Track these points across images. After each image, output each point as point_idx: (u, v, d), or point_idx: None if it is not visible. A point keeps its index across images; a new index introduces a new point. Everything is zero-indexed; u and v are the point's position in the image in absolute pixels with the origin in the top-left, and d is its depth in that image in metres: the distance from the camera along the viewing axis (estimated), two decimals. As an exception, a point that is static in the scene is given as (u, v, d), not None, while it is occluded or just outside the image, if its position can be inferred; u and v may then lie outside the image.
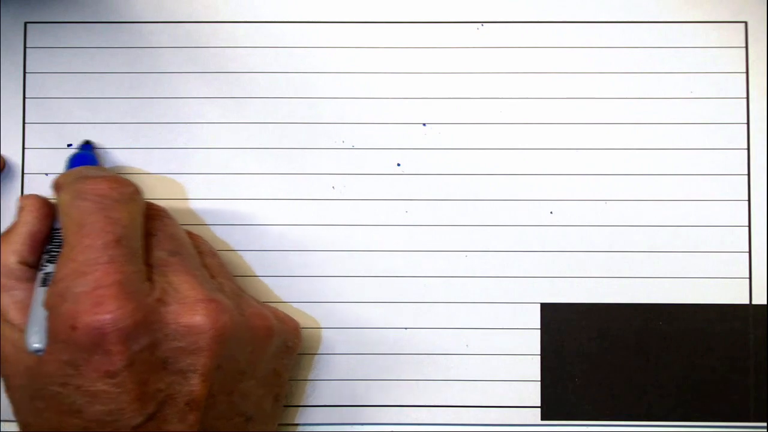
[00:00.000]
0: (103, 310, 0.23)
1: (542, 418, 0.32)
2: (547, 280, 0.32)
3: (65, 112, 0.32)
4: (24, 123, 0.32)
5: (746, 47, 0.32)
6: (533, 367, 0.32)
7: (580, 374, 0.32)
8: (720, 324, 0.32)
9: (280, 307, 0.31)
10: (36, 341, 0.24)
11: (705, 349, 0.32)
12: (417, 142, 0.32)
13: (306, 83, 0.32)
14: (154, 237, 0.27)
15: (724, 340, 0.32)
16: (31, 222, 0.27)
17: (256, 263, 0.32)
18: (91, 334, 0.23)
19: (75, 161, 0.30)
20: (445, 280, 0.32)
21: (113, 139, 0.32)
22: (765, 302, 0.32)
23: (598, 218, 0.32)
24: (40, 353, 0.24)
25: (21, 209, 0.27)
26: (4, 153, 0.32)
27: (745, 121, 0.32)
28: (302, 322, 0.31)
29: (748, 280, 0.32)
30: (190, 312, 0.25)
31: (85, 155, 0.31)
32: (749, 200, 0.32)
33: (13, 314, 0.26)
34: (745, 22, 0.32)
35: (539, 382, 0.32)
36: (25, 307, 0.26)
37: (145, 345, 0.24)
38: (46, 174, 0.32)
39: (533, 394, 0.32)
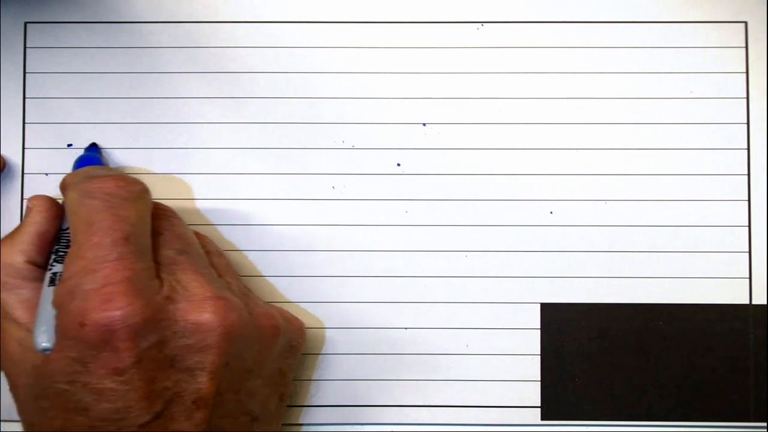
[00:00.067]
0: (112, 306, 0.23)
1: (542, 418, 0.32)
2: (547, 280, 0.32)
3: (65, 112, 0.32)
4: (24, 123, 0.32)
5: (746, 47, 0.32)
6: (533, 367, 0.32)
7: (580, 374, 0.32)
8: (720, 324, 0.32)
9: (280, 306, 0.31)
10: (44, 340, 0.24)
11: (705, 349, 0.32)
12: (417, 142, 0.32)
13: (306, 83, 0.32)
14: (161, 236, 0.27)
15: (724, 340, 0.32)
16: (39, 222, 0.27)
17: (255, 263, 0.32)
18: (99, 330, 0.23)
19: (81, 163, 0.30)
20: (445, 280, 0.32)
21: (113, 139, 0.32)
22: (765, 302, 0.32)
23: (598, 218, 0.32)
24: (48, 352, 0.24)
25: (29, 209, 0.27)
26: (4, 153, 0.32)
27: (745, 121, 0.32)
28: (303, 321, 0.31)
29: (748, 280, 0.32)
30: (198, 309, 0.25)
31: (92, 157, 0.31)
32: (749, 200, 0.32)
33: (19, 313, 0.26)
34: (745, 22, 0.32)
35: (539, 382, 0.32)
36: (32, 306, 0.26)
37: (154, 342, 0.24)
38: (46, 174, 0.32)
39: (533, 394, 0.32)
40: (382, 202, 0.32)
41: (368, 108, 0.32)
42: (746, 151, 0.32)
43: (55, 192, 0.29)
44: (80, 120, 0.32)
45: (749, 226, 0.32)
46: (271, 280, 0.32)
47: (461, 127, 0.32)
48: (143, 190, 0.26)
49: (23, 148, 0.32)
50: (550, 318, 0.32)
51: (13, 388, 0.26)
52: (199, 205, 0.32)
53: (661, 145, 0.32)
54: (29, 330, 0.25)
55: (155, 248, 0.26)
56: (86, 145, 0.32)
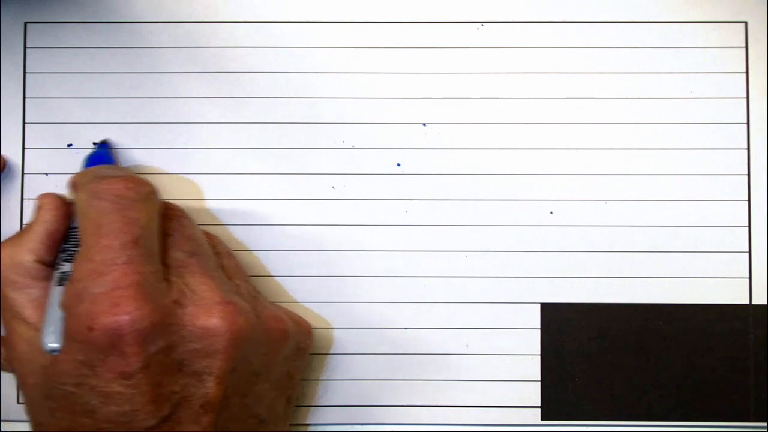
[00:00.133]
0: (120, 311, 0.23)
1: (542, 418, 0.32)
2: (547, 280, 0.32)
3: (65, 112, 0.32)
4: (24, 123, 0.32)
5: (746, 47, 0.32)
6: (533, 367, 0.32)
7: (580, 374, 0.32)
8: (720, 324, 0.32)
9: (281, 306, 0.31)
10: (52, 341, 0.24)
11: (705, 349, 0.32)
12: (417, 142, 0.32)
13: (306, 83, 0.32)
14: (171, 237, 0.27)
15: (724, 340, 0.32)
16: (49, 221, 0.27)
17: (254, 263, 0.32)
18: (108, 334, 0.23)
19: (92, 160, 0.30)
20: (445, 280, 0.32)
21: (113, 139, 0.32)
22: (765, 302, 0.32)
23: (598, 218, 0.32)
24: (55, 353, 0.24)
25: (39, 207, 0.27)
26: (4, 153, 0.32)
27: (745, 121, 0.32)
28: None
29: (748, 280, 0.32)
30: (206, 314, 0.25)
31: (102, 154, 0.31)
32: (749, 200, 0.32)
33: (28, 313, 0.26)
34: (745, 22, 0.32)
35: (539, 382, 0.32)
36: (41, 305, 0.26)
37: (162, 347, 0.24)
38: (46, 174, 0.32)
39: (533, 394, 0.32)
40: (382, 202, 0.32)
41: (368, 108, 0.32)
42: (746, 151, 0.32)
43: (55, 192, 0.29)
44: (80, 120, 0.32)
45: (749, 226, 0.32)
46: (270, 279, 0.32)
47: (461, 127, 0.32)
48: (152, 191, 0.26)
49: (23, 148, 0.32)
50: (550, 318, 0.32)
51: (23, 387, 0.26)
52: (199, 205, 0.32)
53: (661, 145, 0.32)
54: (38, 329, 0.25)
55: (165, 249, 0.26)
56: (87, 144, 0.32)
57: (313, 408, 0.32)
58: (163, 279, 0.25)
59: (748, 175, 0.32)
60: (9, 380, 0.31)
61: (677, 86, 0.32)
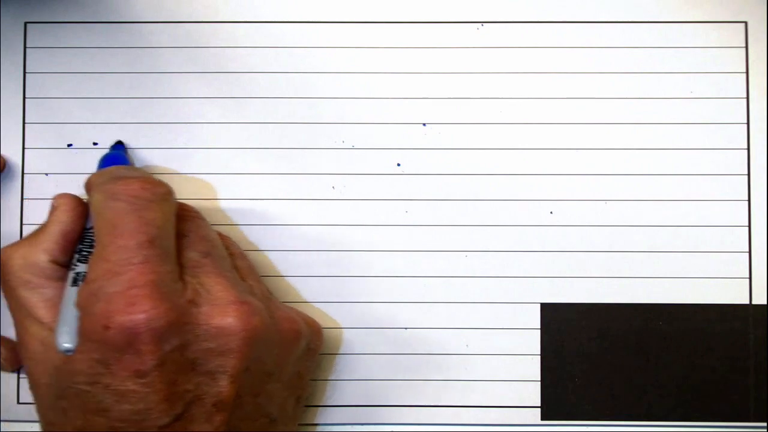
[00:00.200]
0: (136, 309, 0.23)
1: (542, 418, 0.32)
2: (547, 280, 0.32)
3: (65, 112, 0.32)
4: (24, 123, 0.32)
5: (746, 47, 0.32)
6: (533, 367, 0.32)
7: (580, 374, 0.32)
8: (720, 324, 0.32)
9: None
10: (66, 341, 0.24)
11: (705, 349, 0.32)
12: (417, 142, 0.32)
13: (306, 83, 0.32)
14: (186, 238, 0.27)
15: (724, 340, 0.32)
16: (64, 221, 0.27)
17: (255, 263, 0.32)
18: (124, 333, 0.23)
19: (106, 161, 0.30)
20: (445, 280, 0.32)
21: (113, 139, 0.32)
22: (765, 302, 0.32)
23: (598, 218, 0.32)
24: (69, 353, 0.24)
25: (55, 208, 0.27)
26: (4, 153, 0.32)
27: (745, 121, 0.32)
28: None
29: (748, 280, 0.32)
30: (221, 314, 0.25)
31: (117, 155, 0.31)
32: (749, 200, 0.32)
33: (42, 312, 0.26)
34: (745, 22, 0.32)
35: (539, 382, 0.32)
36: (55, 305, 0.26)
37: (176, 345, 0.24)
38: (46, 174, 0.32)
39: (533, 394, 0.32)
40: (382, 202, 0.32)
41: (368, 108, 0.32)
42: (746, 151, 0.32)
43: (54, 193, 0.29)
44: (80, 120, 0.32)
45: (749, 226, 0.32)
46: (270, 279, 0.32)
47: (461, 127, 0.32)
48: (168, 192, 0.26)
49: (23, 148, 0.32)
50: (550, 318, 0.32)
51: (34, 388, 0.26)
52: (199, 204, 0.32)
53: (661, 145, 0.32)
54: (51, 329, 0.25)
55: (180, 250, 0.26)
56: (87, 144, 0.32)
57: (313, 408, 0.32)
58: (178, 279, 0.25)
59: (748, 175, 0.32)
60: (9, 380, 0.31)
61: (677, 86, 0.32)
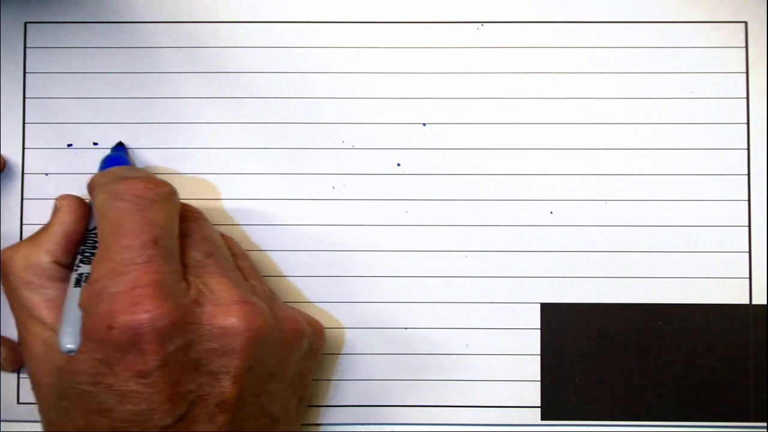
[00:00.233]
0: (140, 309, 0.23)
1: (542, 418, 0.32)
2: (547, 280, 0.32)
3: (65, 112, 0.32)
4: (24, 123, 0.32)
5: (746, 47, 0.32)
6: (533, 367, 0.32)
7: (580, 374, 0.32)
8: (720, 324, 0.32)
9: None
10: (69, 341, 0.24)
11: (705, 349, 0.32)
12: (417, 142, 0.32)
13: (306, 83, 0.32)
14: (189, 238, 0.27)
15: (724, 340, 0.32)
16: (67, 222, 0.27)
17: (255, 263, 0.32)
18: (127, 333, 0.23)
19: (108, 162, 0.30)
20: (445, 280, 0.32)
21: (113, 139, 0.32)
22: (765, 302, 0.32)
23: (598, 218, 0.32)
24: (72, 353, 0.24)
25: (58, 209, 0.27)
26: (4, 153, 0.32)
27: (745, 121, 0.32)
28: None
29: (748, 280, 0.32)
30: (224, 314, 0.25)
31: (118, 156, 0.31)
32: (749, 200, 0.32)
33: (44, 313, 0.26)
34: (745, 22, 0.32)
35: (539, 382, 0.32)
36: (57, 306, 0.26)
37: (180, 346, 0.24)
38: (46, 174, 0.32)
39: (533, 394, 0.32)
40: (382, 202, 0.32)
41: (368, 108, 0.32)
42: (746, 151, 0.32)
43: (54, 193, 0.29)
44: (80, 120, 0.32)
45: (749, 226, 0.32)
46: (270, 279, 0.32)
47: (461, 127, 0.32)
48: (171, 192, 0.26)
49: (23, 148, 0.32)
50: (550, 318, 0.32)
51: (36, 388, 0.26)
52: (198, 204, 0.32)
53: (661, 145, 0.32)
54: (54, 330, 0.25)
55: (183, 250, 0.26)
56: (87, 144, 0.32)
57: (315, 408, 0.32)
58: (181, 279, 0.25)
59: (748, 175, 0.32)
60: (9, 380, 0.31)
61: (677, 86, 0.32)
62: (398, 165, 0.32)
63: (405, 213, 0.32)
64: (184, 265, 0.26)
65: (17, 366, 0.31)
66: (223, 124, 0.32)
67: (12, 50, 0.32)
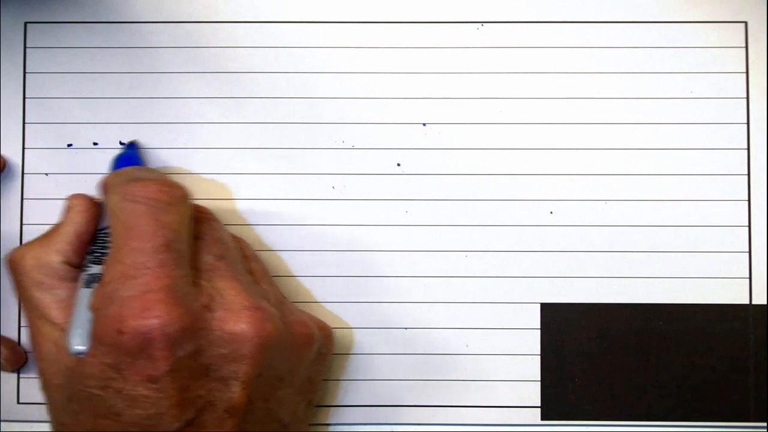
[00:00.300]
0: (150, 314, 0.23)
1: (542, 418, 0.32)
2: (547, 280, 0.32)
3: (65, 112, 0.32)
4: (24, 123, 0.32)
5: (746, 47, 0.32)
6: (533, 367, 0.32)
7: (580, 374, 0.32)
8: (720, 324, 0.32)
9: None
10: (78, 343, 0.24)
11: (705, 349, 0.32)
12: (417, 142, 0.32)
13: (306, 83, 0.32)
14: (201, 240, 0.26)
15: (724, 340, 0.32)
16: (78, 222, 0.27)
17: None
18: (137, 338, 0.23)
19: (121, 161, 0.30)
20: (445, 280, 0.32)
21: (113, 139, 0.32)
22: (765, 302, 0.32)
23: (598, 218, 0.32)
24: (81, 355, 0.24)
25: (69, 208, 0.27)
26: (4, 153, 0.32)
27: (745, 121, 0.32)
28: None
29: (748, 280, 0.32)
30: (235, 319, 0.25)
31: (131, 155, 0.30)
32: (749, 200, 0.32)
33: (54, 313, 0.26)
34: (745, 22, 0.32)
35: (539, 382, 0.32)
36: (67, 306, 0.26)
37: (190, 351, 0.24)
38: (46, 174, 0.32)
39: (533, 394, 0.32)
40: (382, 202, 0.32)
41: (368, 108, 0.32)
42: (746, 151, 0.32)
43: (54, 193, 0.29)
44: (80, 120, 0.32)
45: (749, 226, 0.32)
46: (276, 280, 0.32)
47: (461, 127, 0.32)
48: (185, 195, 0.26)
49: (23, 148, 0.32)
50: (550, 318, 0.32)
51: (45, 388, 0.26)
52: (204, 204, 0.32)
53: (661, 145, 0.32)
54: (64, 330, 0.25)
55: (194, 253, 0.26)
56: (87, 144, 0.32)
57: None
58: (193, 283, 0.25)
59: (748, 175, 0.32)
60: (9, 380, 0.31)
61: (677, 86, 0.32)
62: (398, 165, 0.32)
63: (405, 213, 0.32)
64: (196, 268, 0.26)
65: (17, 366, 0.31)
66: (223, 124, 0.32)
67: (12, 50, 0.32)
